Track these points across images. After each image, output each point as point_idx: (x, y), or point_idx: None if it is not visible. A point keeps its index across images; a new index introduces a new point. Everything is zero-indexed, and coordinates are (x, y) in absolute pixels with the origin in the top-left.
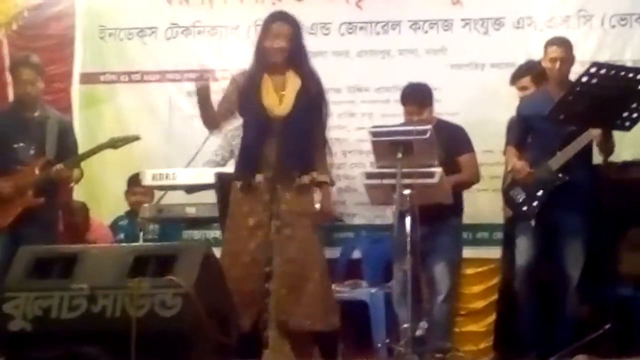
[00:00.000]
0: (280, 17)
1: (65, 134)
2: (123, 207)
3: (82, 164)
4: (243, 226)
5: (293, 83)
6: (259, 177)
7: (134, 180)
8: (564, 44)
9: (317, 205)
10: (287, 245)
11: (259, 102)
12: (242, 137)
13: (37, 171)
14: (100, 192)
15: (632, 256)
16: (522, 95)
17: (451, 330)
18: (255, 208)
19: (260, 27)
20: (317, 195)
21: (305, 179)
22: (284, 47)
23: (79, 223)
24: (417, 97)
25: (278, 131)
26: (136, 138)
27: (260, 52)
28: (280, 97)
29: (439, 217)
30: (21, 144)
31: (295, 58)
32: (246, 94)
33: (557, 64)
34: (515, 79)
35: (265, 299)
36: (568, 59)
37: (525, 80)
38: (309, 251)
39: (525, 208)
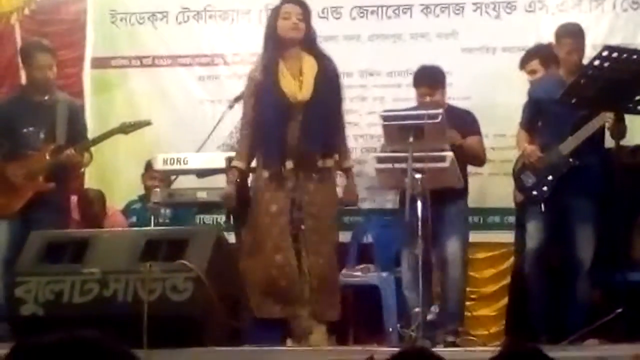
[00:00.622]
0: (289, 0)
1: (75, 118)
2: (136, 192)
3: (93, 149)
4: (265, 213)
5: (310, 66)
6: (289, 164)
7: (152, 164)
8: (578, 35)
9: (339, 190)
10: (311, 238)
11: (278, 88)
12: (260, 124)
13: (47, 156)
14: (112, 177)
15: None
16: (532, 78)
17: (462, 312)
18: (277, 195)
19: (270, 13)
20: (340, 180)
21: (328, 162)
22: (298, 25)
23: (96, 212)
24: (429, 78)
25: (298, 116)
26: (147, 123)
27: (273, 35)
28: (299, 82)
29: (446, 200)
30: (31, 129)
31: (308, 40)
32: (263, 81)
33: (574, 55)
34: (524, 62)
35: (299, 291)
36: (583, 47)
37: (534, 64)
38: (329, 241)
39: (535, 192)
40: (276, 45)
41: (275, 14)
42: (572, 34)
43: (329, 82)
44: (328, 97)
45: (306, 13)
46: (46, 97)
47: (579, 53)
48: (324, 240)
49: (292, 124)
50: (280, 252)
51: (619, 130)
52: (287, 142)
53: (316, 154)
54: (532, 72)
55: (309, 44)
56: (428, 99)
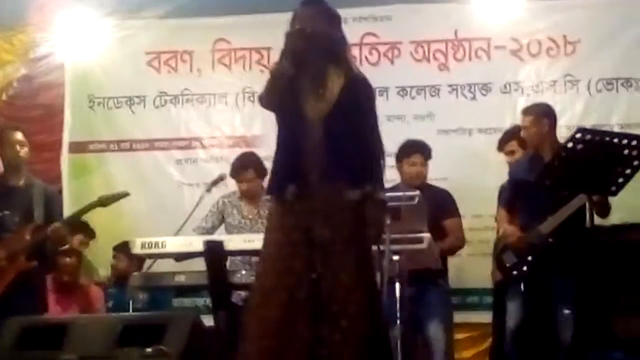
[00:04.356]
0: (310, 2)
1: (51, 203)
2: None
3: None
4: (276, 259)
5: (335, 80)
6: (291, 188)
7: (120, 248)
8: (534, 112)
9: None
10: (333, 282)
11: (296, 102)
12: (280, 143)
13: (27, 236)
14: (89, 260)
15: (623, 320)
16: (510, 159)
17: None
18: (291, 230)
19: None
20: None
21: (356, 194)
22: (312, 32)
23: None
24: (422, 148)
25: (319, 137)
26: (125, 194)
27: (289, 42)
28: (320, 96)
29: (426, 279)
30: (5, 212)
31: (333, 49)
32: (282, 92)
33: (530, 132)
34: (502, 143)
35: (317, 345)
36: (540, 123)
37: (512, 145)
38: (356, 286)
39: (515, 272)
40: (294, 54)
41: (292, 20)
42: (527, 111)
43: (357, 98)
44: (355, 117)
45: (328, 17)
46: (21, 182)
47: (537, 127)
48: (348, 286)
49: (310, 144)
50: (297, 304)
51: (603, 209)
52: (304, 167)
53: (340, 183)
54: (510, 153)
55: (335, 53)
56: (421, 169)
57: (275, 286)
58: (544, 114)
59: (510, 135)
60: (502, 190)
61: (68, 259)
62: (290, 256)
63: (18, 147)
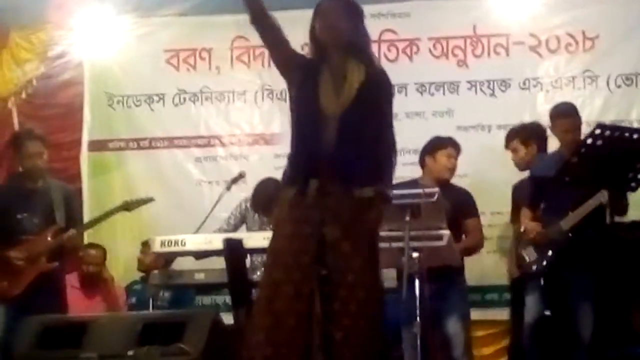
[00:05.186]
0: None
1: (70, 203)
2: (134, 273)
3: (92, 230)
4: (285, 251)
5: (355, 74)
6: (313, 183)
7: (148, 244)
8: (573, 115)
9: None
10: (339, 281)
11: (315, 97)
12: (294, 135)
13: (49, 238)
14: (111, 259)
15: None
16: (514, 157)
17: None
18: (302, 223)
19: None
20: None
21: (368, 191)
22: (334, 25)
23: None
24: (455, 142)
25: (335, 133)
26: (150, 200)
27: (313, 38)
28: (338, 92)
29: (445, 277)
30: (25, 215)
31: (355, 44)
32: (303, 85)
33: (570, 135)
34: (507, 141)
35: (322, 342)
36: (579, 125)
37: (515, 143)
38: (361, 286)
39: (534, 267)
40: (318, 50)
41: (314, 13)
42: (566, 113)
43: (375, 95)
44: (372, 113)
45: (350, 10)
46: (39, 184)
47: (576, 131)
48: (359, 285)
49: (326, 140)
50: (293, 314)
51: (619, 207)
52: (320, 162)
53: (352, 180)
54: (513, 151)
55: (357, 48)
56: (454, 161)
57: (282, 279)
58: (575, 114)
59: (514, 134)
60: (515, 188)
61: (93, 251)
62: (299, 250)
63: (36, 159)
